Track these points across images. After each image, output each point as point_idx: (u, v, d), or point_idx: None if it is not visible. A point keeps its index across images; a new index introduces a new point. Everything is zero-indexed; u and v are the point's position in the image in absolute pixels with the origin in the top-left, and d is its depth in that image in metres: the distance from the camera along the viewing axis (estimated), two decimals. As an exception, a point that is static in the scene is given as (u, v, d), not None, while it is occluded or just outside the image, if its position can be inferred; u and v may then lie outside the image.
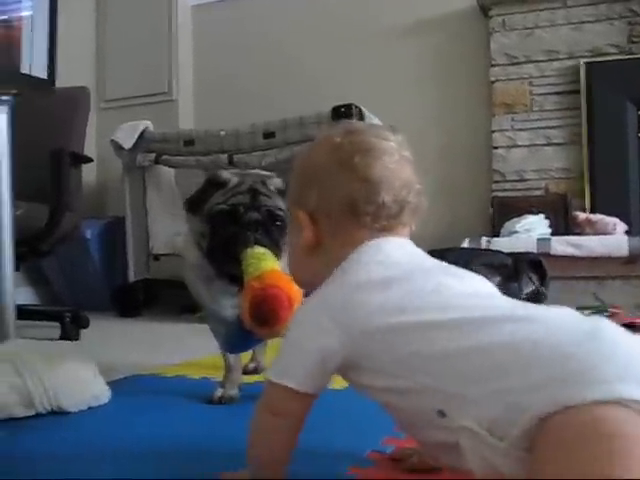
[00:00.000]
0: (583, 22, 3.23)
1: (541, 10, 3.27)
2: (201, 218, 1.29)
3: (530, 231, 2.91)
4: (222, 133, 3.09)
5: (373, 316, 0.73)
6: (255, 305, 1.09)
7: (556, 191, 3.19)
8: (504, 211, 3.09)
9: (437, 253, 2.38)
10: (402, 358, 0.71)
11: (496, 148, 3.30)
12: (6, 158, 1.86)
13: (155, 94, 3.78)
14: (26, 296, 3.32)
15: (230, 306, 1.33)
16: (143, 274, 3.27)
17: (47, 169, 2.44)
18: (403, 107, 3.38)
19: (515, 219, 2.96)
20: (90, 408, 1.34)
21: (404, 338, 0.71)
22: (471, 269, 1.99)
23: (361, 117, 2.95)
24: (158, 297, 3.33)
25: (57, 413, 1.30)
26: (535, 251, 2.72)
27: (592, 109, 3.18)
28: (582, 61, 3.20)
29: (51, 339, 2.35)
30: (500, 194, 3.22)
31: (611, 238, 2.84)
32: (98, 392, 1.36)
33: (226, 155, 3.08)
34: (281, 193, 1.31)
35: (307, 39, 3.70)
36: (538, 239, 2.80)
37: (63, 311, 2.54)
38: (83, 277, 3.32)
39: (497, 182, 3.27)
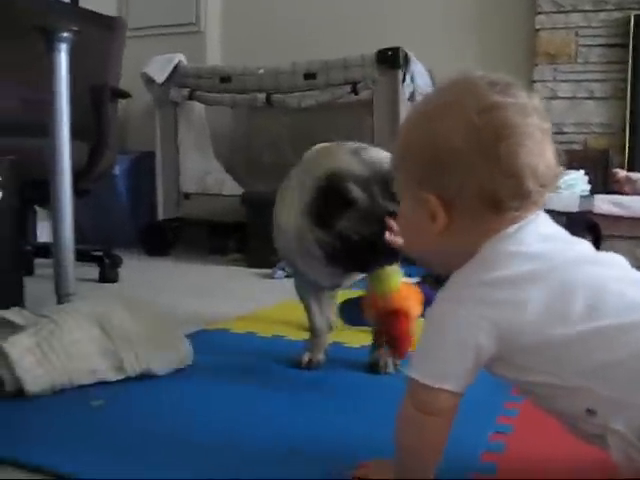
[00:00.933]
0: (635, -29, 3.11)
1: (591, -44, 3.13)
2: (329, 232, 1.20)
3: (572, 187, 2.87)
4: (260, 71, 3.02)
5: (525, 317, 0.72)
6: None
7: (596, 147, 3.13)
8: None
9: None
10: (559, 360, 0.71)
11: (538, 99, 3.20)
12: (64, 98, 1.78)
13: (181, 24, 3.64)
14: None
15: (328, 274, 1.29)
16: (173, 212, 3.21)
17: (86, 106, 2.35)
18: (444, 51, 3.32)
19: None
20: (177, 371, 1.32)
21: (563, 342, 0.71)
22: None
23: (407, 61, 2.85)
24: (187, 236, 3.27)
25: (146, 376, 1.27)
26: (577, 209, 2.68)
27: (637, 65, 3.10)
28: (632, 13, 3.09)
29: (90, 280, 2.33)
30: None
31: (652, 197, 2.82)
32: (184, 355, 1.34)
33: (264, 94, 3.00)
34: None
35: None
36: (581, 196, 2.78)
37: (98, 250, 2.50)
38: (110, 214, 3.27)
39: (554, 134, 3.19)
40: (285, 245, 1.35)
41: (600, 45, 3.23)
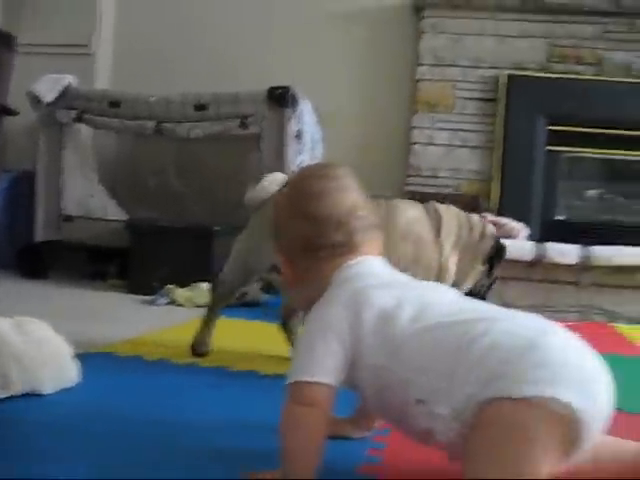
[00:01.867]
0: (509, 36, 3.50)
1: (471, 18, 3.48)
2: None
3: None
4: (152, 99, 3.09)
5: (374, 318, 0.90)
6: None
7: (466, 191, 3.39)
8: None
9: None
10: (396, 355, 0.88)
11: (414, 144, 3.44)
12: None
13: (73, 45, 3.63)
14: None
15: None
16: (53, 235, 3.17)
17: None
18: (330, 93, 3.51)
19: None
20: (64, 389, 1.34)
21: (397, 340, 0.88)
22: None
23: (295, 100, 2.99)
24: (67, 260, 3.23)
25: (32, 395, 1.29)
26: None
27: (508, 118, 3.41)
28: (505, 72, 3.39)
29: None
30: (413, 188, 3.40)
31: (517, 242, 3.05)
32: (73, 373, 1.36)
33: (154, 122, 3.05)
34: None
35: (243, 15, 3.67)
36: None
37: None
38: (-16, 231, 3.17)
39: (411, 176, 3.43)
40: None
41: (475, 98, 3.54)
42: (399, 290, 0.95)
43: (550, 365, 0.80)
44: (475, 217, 1.70)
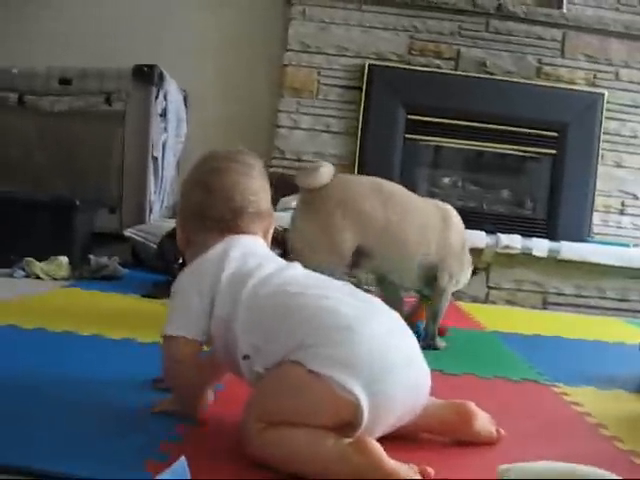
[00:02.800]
0: (373, 27, 3.83)
1: (339, 8, 3.81)
2: None
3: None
4: (14, 71, 3.25)
5: (230, 276, 1.11)
6: None
7: (329, 176, 3.75)
8: (281, 188, 3.57)
9: None
10: (236, 311, 1.07)
11: (279, 127, 3.77)
12: None
13: None
14: None
15: None
16: None
17: None
18: (197, 74, 3.80)
19: (291, 197, 3.46)
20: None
21: (245, 298, 1.08)
22: None
23: (161, 79, 3.26)
24: None
25: None
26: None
27: (369, 106, 3.78)
28: (367, 62, 3.77)
29: None
30: (279, 171, 3.72)
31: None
32: None
33: (17, 94, 3.23)
34: None
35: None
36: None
37: None
38: None
39: (276, 159, 3.77)
40: None
41: (338, 86, 3.89)
42: (260, 259, 1.14)
43: (351, 351, 0.97)
44: None
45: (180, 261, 2.44)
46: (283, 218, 3.29)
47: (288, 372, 0.99)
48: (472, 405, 1.17)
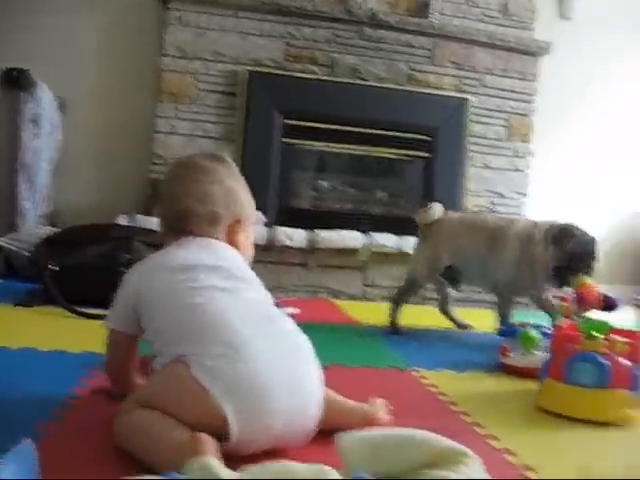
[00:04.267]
0: (249, 34, 3.89)
1: (214, 14, 3.86)
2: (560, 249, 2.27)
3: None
4: None
5: (152, 276, 1.20)
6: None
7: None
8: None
9: (100, 228, 2.92)
10: (149, 311, 1.17)
11: (158, 132, 3.78)
12: None
13: None
14: None
15: None
16: None
17: None
18: (72, 80, 3.76)
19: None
20: None
21: (164, 298, 1.15)
22: (132, 245, 2.55)
23: (33, 85, 3.22)
24: None
25: None
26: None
27: (246, 112, 3.84)
28: (244, 68, 3.84)
29: None
30: (158, 176, 3.73)
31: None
32: None
33: None
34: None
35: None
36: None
37: None
38: None
39: (155, 164, 3.77)
40: None
41: (216, 91, 3.93)
42: (192, 262, 1.18)
43: (233, 370, 1.00)
44: None
45: (54, 268, 2.42)
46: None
47: (174, 368, 1.05)
48: (378, 410, 1.24)
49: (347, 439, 0.91)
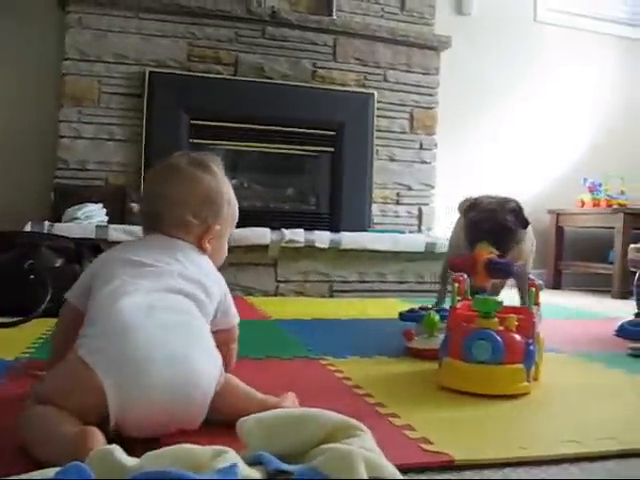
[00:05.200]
0: (151, 35, 3.88)
1: (115, 16, 3.83)
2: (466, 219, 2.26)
3: (90, 218, 3.42)
4: None
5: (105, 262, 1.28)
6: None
7: (115, 183, 3.76)
8: (66, 198, 3.54)
9: (6, 236, 2.86)
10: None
11: (62, 137, 3.72)
12: None
13: None
14: None
15: None
16: None
17: None
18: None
19: (76, 206, 3.44)
20: None
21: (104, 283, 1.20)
22: (39, 251, 2.52)
23: None
24: None
25: None
26: (94, 237, 3.21)
27: (151, 113, 3.82)
28: (147, 69, 3.81)
29: None
30: (63, 182, 3.68)
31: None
32: None
33: None
34: (513, 211, 2.21)
35: None
36: (97, 226, 3.33)
37: None
38: None
39: (60, 169, 3.71)
40: None
41: (120, 93, 3.89)
42: (137, 255, 1.23)
43: (115, 347, 1.04)
44: None
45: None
46: (70, 227, 3.28)
47: (67, 355, 1.08)
48: (286, 400, 1.25)
49: (247, 422, 0.95)
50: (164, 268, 1.22)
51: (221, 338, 1.28)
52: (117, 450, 0.83)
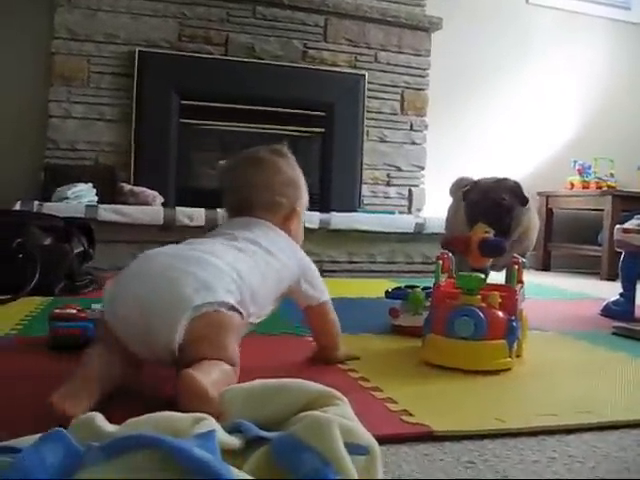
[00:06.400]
0: (142, 14, 3.86)
1: (105, -5, 3.78)
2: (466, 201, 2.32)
3: (80, 198, 3.43)
4: None
5: None
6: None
7: (105, 163, 3.75)
8: (56, 178, 3.54)
9: None
10: None
11: (52, 117, 3.71)
12: None
13: None
14: None
15: None
16: None
17: None
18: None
19: (66, 186, 3.44)
20: None
21: None
22: (28, 230, 2.53)
23: None
24: None
25: None
26: (84, 216, 3.21)
27: (142, 93, 3.82)
28: (137, 49, 3.80)
29: None
30: (53, 161, 3.67)
31: (150, 208, 3.52)
32: None
33: None
34: (511, 189, 2.25)
35: None
36: (87, 206, 3.33)
37: None
38: None
39: (50, 149, 3.70)
40: None
41: (110, 73, 3.88)
42: (221, 233, 1.40)
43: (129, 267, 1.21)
44: None
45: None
46: (59, 207, 3.28)
47: None
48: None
49: (229, 392, 0.97)
50: (233, 234, 1.34)
51: (315, 313, 1.49)
52: (98, 417, 0.84)
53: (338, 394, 0.94)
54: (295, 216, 1.47)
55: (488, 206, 2.22)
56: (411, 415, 1.19)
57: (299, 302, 1.46)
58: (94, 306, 1.73)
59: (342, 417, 0.87)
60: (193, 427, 0.82)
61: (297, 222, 1.48)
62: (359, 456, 0.80)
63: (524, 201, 2.30)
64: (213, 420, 0.86)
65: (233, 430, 0.87)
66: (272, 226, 1.41)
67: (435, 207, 4.14)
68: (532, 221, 2.41)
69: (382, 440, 1.02)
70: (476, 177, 2.58)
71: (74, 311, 1.63)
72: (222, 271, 1.20)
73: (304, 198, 1.52)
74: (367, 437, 0.85)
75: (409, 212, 4.44)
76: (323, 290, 1.48)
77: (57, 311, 1.64)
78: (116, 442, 0.76)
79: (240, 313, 1.21)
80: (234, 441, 0.83)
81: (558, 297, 3.25)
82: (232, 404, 0.95)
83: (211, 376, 1.03)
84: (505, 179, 2.36)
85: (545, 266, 4.89)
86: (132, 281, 1.16)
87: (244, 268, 1.25)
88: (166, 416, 0.84)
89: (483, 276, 1.65)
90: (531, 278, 3.82)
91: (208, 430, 0.80)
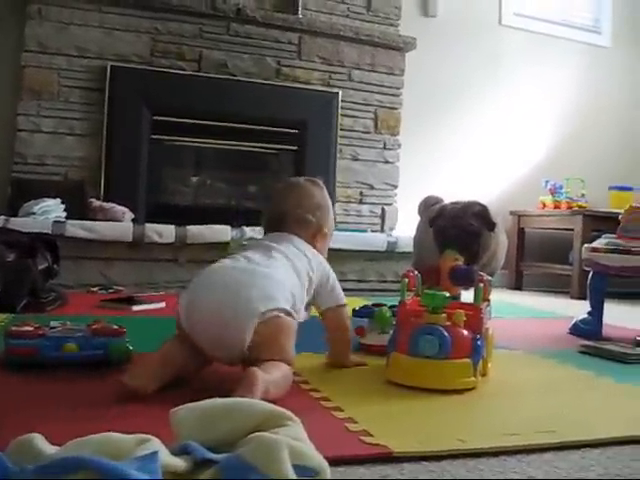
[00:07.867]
0: (114, 29, 3.84)
1: (77, 9, 3.79)
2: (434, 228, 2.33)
3: (47, 213, 3.38)
4: None
5: None
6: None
7: (74, 178, 3.71)
8: (23, 193, 3.49)
9: None
10: None
11: (20, 131, 3.67)
12: None
13: None
14: None
15: None
16: None
17: None
18: None
19: (33, 201, 3.39)
20: None
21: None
22: None
23: None
24: None
25: None
26: (51, 232, 3.16)
27: (113, 108, 3.79)
28: (109, 63, 3.77)
29: None
30: (20, 176, 3.62)
31: (119, 224, 3.47)
32: None
33: None
34: (477, 215, 2.26)
35: None
36: (54, 221, 3.29)
37: None
38: None
39: (17, 164, 3.66)
40: None
41: (80, 87, 3.84)
42: (259, 245, 1.60)
43: (197, 279, 1.44)
44: None
45: None
46: (26, 222, 3.23)
47: None
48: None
49: (179, 412, 0.94)
50: (268, 244, 1.56)
51: (332, 315, 1.67)
52: (37, 438, 0.81)
53: (289, 414, 0.92)
54: (321, 235, 1.69)
55: (456, 234, 2.23)
56: (370, 435, 1.17)
57: (320, 304, 1.65)
58: (53, 323, 1.69)
59: (293, 438, 0.85)
60: (136, 448, 0.80)
61: (323, 241, 1.70)
62: (307, 479, 0.78)
63: (491, 226, 2.30)
64: (157, 441, 0.83)
65: (180, 452, 0.84)
66: (301, 240, 1.61)
67: (408, 226, 4.12)
68: (500, 244, 2.40)
69: (339, 461, 1.00)
70: (445, 196, 2.57)
71: (31, 328, 1.58)
72: (278, 282, 1.42)
73: (331, 222, 1.73)
74: (317, 459, 0.82)
75: (382, 230, 4.43)
76: (341, 295, 1.67)
77: (13, 328, 1.59)
78: (51, 464, 0.73)
79: (293, 317, 1.45)
80: (179, 463, 0.80)
81: (528, 316, 3.25)
82: (183, 425, 0.92)
83: (272, 375, 1.27)
84: (472, 203, 2.35)
85: (517, 285, 4.89)
86: (206, 292, 1.38)
87: (288, 279, 1.48)
88: (108, 437, 0.81)
89: (448, 294, 1.63)
90: (503, 297, 3.83)
91: (151, 452, 0.77)
